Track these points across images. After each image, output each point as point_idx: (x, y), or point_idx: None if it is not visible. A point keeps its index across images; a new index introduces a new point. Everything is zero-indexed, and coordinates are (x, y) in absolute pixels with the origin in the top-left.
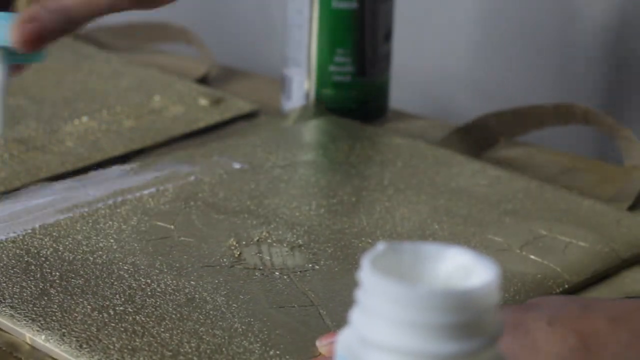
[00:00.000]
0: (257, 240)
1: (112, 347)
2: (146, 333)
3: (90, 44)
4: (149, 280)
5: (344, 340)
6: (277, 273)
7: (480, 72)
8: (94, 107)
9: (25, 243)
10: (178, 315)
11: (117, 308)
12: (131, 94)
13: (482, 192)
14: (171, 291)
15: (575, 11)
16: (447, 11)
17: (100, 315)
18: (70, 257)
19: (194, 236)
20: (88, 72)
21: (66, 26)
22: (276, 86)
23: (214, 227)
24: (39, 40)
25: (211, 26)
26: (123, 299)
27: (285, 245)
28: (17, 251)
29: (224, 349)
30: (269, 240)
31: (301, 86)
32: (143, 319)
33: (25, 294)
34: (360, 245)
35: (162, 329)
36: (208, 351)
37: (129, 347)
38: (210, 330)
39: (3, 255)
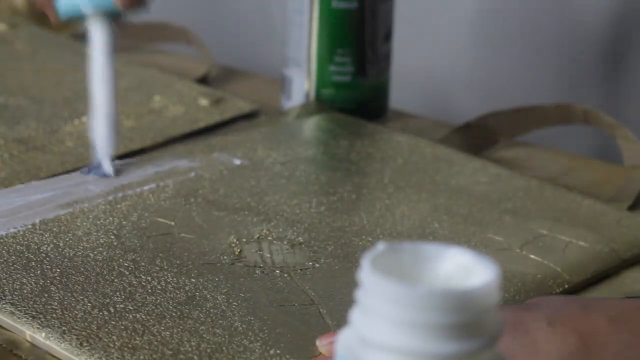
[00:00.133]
0: (258, 238)
1: (112, 345)
2: (146, 331)
3: None
4: (149, 278)
5: (344, 340)
6: (277, 271)
7: (480, 72)
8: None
9: (26, 239)
10: (178, 313)
11: (117, 306)
12: (131, 94)
13: (483, 191)
14: (171, 289)
15: (575, 11)
16: (447, 11)
17: (101, 313)
18: (71, 254)
19: (194, 233)
20: (87, 72)
21: None
22: (276, 86)
23: (215, 224)
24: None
25: (211, 26)
26: (123, 297)
27: (285, 242)
28: (18, 247)
29: (224, 348)
30: (269, 238)
31: (301, 86)
32: (143, 317)
33: (25, 291)
34: (360, 243)
35: (163, 327)
36: (208, 350)
37: (129, 345)
38: (210, 329)
39: (3, 251)
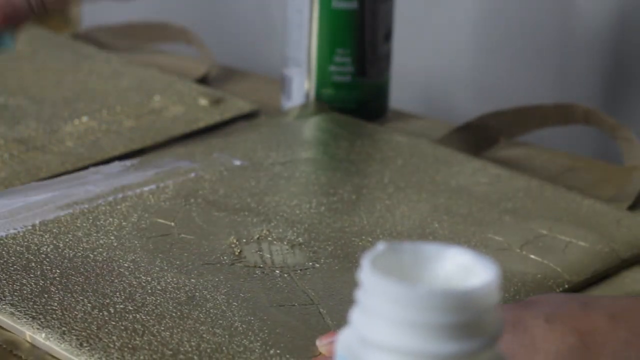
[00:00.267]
0: (258, 238)
1: (112, 345)
2: (146, 331)
3: (90, 44)
4: (149, 278)
5: (344, 340)
6: (277, 271)
7: (480, 72)
8: (94, 107)
9: (26, 240)
10: (178, 313)
11: (117, 306)
12: (131, 94)
13: (483, 191)
14: (171, 289)
15: (575, 11)
16: (447, 11)
17: (101, 314)
18: (71, 254)
19: (194, 233)
20: (88, 72)
21: (34, 9)
22: (276, 86)
23: (215, 225)
24: (8, 21)
25: (211, 26)
26: (123, 297)
27: (285, 243)
28: (18, 248)
29: (224, 348)
30: (269, 238)
31: (301, 86)
32: (143, 317)
33: (25, 292)
34: (360, 243)
35: (163, 328)
36: (208, 350)
37: (129, 345)
38: (210, 329)
39: (3, 252)
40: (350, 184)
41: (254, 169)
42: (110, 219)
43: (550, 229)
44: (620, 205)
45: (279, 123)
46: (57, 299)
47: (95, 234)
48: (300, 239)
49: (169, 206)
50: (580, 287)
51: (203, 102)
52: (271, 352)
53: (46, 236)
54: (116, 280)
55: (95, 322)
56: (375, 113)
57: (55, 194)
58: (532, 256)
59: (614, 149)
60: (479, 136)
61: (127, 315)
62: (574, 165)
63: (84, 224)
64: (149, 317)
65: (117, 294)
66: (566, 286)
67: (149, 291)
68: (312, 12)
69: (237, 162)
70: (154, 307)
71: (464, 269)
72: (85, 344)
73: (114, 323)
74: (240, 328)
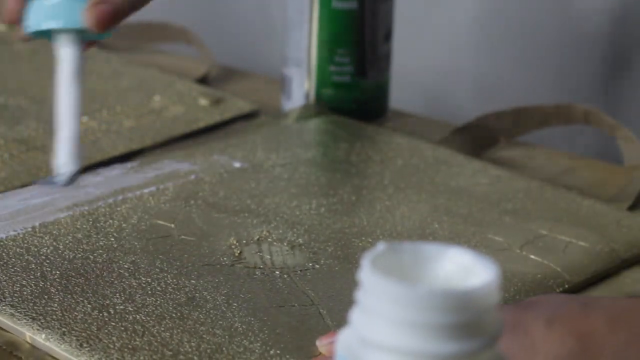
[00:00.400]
0: (258, 239)
1: (112, 346)
2: (146, 332)
3: None
4: (149, 279)
5: (344, 340)
6: (277, 272)
7: (480, 72)
8: (94, 107)
9: (26, 241)
10: (178, 314)
11: (117, 307)
12: (131, 94)
13: (483, 192)
14: (171, 290)
15: (575, 11)
16: (447, 11)
17: (101, 314)
18: (71, 256)
19: (194, 235)
20: (88, 72)
21: (135, 3)
22: (276, 86)
23: (215, 226)
24: (110, 20)
25: (211, 26)
26: (123, 298)
27: (285, 244)
28: (18, 249)
29: (224, 348)
30: (269, 239)
31: (301, 86)
32: (143, 318)
33: (25, 293)
34: (360, 244)
35: (163, 328)
36: (208, 350)
37: (129, 346)
38: (210, 330)
39: (3, 254)
40: (350, 185)
41: (254, 170)
42: (110, 221)
43: (551, 229)
44: (620, 205)
45: (279, 125)
46: (57, 300)
47: (95, 236)
48: (300, 240)
49: (169, 208)
50: (580, 287)
51: (203, 102)
52: (271, 352)
53: (46, 238)
54: (116, 282)
55: (95, 323)
56: (375, 113)
57: (55, 196)
58: (532, 256)
59: (614, 149)
60: (479, 136)
61: (127, 316)
62: (574, 165)
63: (84, 226)
64: (149, 318)
65: (117, 295)
66: (566, 286)
67: (149, 292)
68: (312, 12)
69: (237, 164)
70: (154, 308)
71: (464, 269)
72: (85, 345)
73: (114, 324)
74: (240, 329)
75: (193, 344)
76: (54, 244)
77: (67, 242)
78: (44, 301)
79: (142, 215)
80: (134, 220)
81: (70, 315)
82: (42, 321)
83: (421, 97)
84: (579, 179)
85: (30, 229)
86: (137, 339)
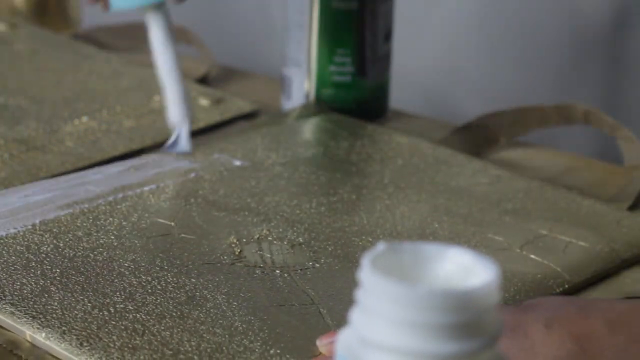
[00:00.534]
0: (258, 238)
1: (112, 345)
2: (146, 331)
3: (90, 44)
4: (149, 278)
5: (344, 339)
6: (277, 271)
7: (480, 72)
8: (94, 107)
9: (26, 239)
10: (178, 313)
11: (117, 306)
12: (131, 94)
13: (483, 191)
14: (171, 289)
15: (575, 11)
16: (447, 11)
17: (101, 313)
18: (71, 254)
19: (194, 233)
20: (88, 72)
21: None
22: (276, 86)
23: (215, 225)
24: None
25: (211, 26)
26: (123, 297)
27: (285, 242)
28: (18, 247)
29: (224, 348)
30: (269, 238)
31: (301, 86)
32: (143, 317)
33: (25, 291)
34: (360, 243)
35: (163, 327)
36: (208, 350)
37: (130, 345)
38: (210, 329)
39: (3, 252)
40: (350, 184)
41: (254, 169)
42: (111, 219)
43: (551, 229)
44: (620, 205)
45: (279, 123)
46: (57, 298)
47: (95, 234)
48: (301, 239)
49: (169, 206)
50: (580, 287)
51: (203, 102)
52: (271, 351)
53: (46, 236)
54: (116, 280)
55: (95, 322)
56: (375, 113)
57: (56, 194)
58: (532, 256)
59: (614, 149)
60: (479, 136)
61: (127, 314)
62: (574, 165)
63: (84, 224)
64: (149, 317)
65: (117, 293)
66: (566, 286)
67: (149, 291)
68: (312, 12)
69: (237, 163)
70: (154, 307)
71: (464, 269)
72: (85, 344)
73: (114, 323)
74: (241, 328)
75: (193, 343)
76: (54, 241)
77: (67, 240)
78: (44, 299)
79: (142, 213)
80: (134, 218)
81: (70, 314)
82: (42, 320)
83: (421, 97)
84: (579, 179)
85: (30, 227)
86: (137, 338)
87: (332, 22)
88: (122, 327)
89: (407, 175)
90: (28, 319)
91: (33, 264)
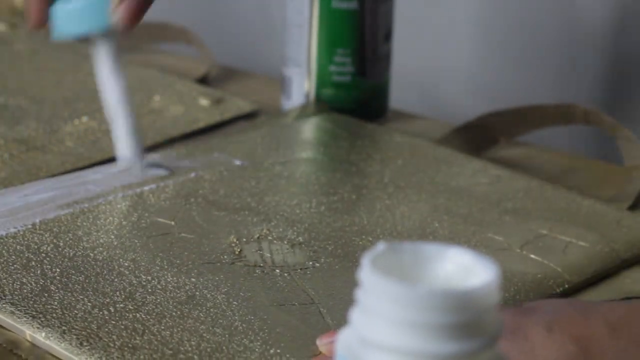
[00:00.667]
0: (258, 238)
1: (112, 344)
2: (146, 331)
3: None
4: (149, 277)
5: (344, 339)
6: (277, 270)
7: (480, 72)
8: (94, 107)
9: (26, 239)
10: (178, 312)
11: (117, 305)
12: (131, 94)
13: (483, 191)
14: (172, 288)
15: (576, 11)
16: (447, 11)
17: (101, 313)
18: (71, 253)
19: (194, 233)
20: (88, 72)
21: None
22: (276, 86)
23: (215, 224)
24: (140, 13)
25: (211, 26)
26: (123, 296)
27: (285, 242)
28: (18, 247)
29: (224, 347)
30: (269, 238)
31: (301, 86)
32: (143, 316)
33: (25, 291)
34: (360, 243)
35: (163, 327)
36: (208, 349)
37: (130, 345)
38: (210, 328)
39: (3, 251)
40: (350, 184)
41: (254, 169)
42: (111, 218)
43: (551, 229)
44: (620, 205)
45: (279, 123)
46: (57, 298)
47: (95, 233)
48: (301, 239)
49: (169, 205)
50: (580, 287)
51: (203, 102)
52: (271, 351)
53: (46, 235)
54: (116, 280)
55: (95, 321)
56: (375, 113)
57: (56, 193)
58: (532, 256)
59: (614, 149)
60: (479, 136)
61: (127, 314)
62: (574, 165)
63: (84, 223)
64: (149, 317)
65: (117, 293)
66: (566, 286)
67: (149, 290)
68: (312, 12)
69: (237, 162)
70: (154, 307)
71: (464, 269)
72: (85, 343)
73: (114, 322)
74: (241, 327)
75: (193, 343)
76: (54, 241)
77: (67, 239)
78: (44, 299)
79: (143, 212)
80: (134, 217)
81: (70, 314)
82: (42, 319)
83: (421, 97)
84: (579, 179)
85: (30, 226)
86: (137, 338)
87: (332, 22)
88: (122, 327)
89: (407, 175)
90: (28, 318)
91: (33, 263)
